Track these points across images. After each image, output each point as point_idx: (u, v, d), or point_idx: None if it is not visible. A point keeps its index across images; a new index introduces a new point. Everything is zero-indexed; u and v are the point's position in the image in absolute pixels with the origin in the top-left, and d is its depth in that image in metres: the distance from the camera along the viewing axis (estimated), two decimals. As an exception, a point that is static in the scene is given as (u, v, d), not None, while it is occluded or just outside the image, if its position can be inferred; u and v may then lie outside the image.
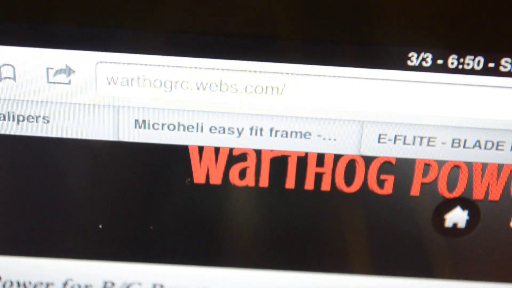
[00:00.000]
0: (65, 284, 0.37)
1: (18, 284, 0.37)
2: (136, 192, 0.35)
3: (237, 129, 0.33)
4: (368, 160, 0.34)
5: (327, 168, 0.34)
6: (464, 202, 0.36)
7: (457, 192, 0.35)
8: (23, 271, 0.37)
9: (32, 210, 0.35)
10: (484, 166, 0.35)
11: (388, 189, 0.35)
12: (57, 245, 0.36)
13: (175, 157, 0.34)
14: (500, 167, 0.35)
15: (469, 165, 0.34)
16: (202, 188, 0.35)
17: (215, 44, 0.31)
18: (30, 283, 0.37)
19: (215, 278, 0.37)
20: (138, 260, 0.37)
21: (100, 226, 0.35)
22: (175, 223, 0.36)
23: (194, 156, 0.34)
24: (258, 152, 0.34)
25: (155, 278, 0.37)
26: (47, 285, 0.37)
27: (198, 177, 0.34)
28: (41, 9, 0.30)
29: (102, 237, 0.36)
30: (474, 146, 0.34)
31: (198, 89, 0.32)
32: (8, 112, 0.33)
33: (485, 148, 0.34)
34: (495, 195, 0.35)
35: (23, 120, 0.33)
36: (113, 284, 0.37)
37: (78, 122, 0.33)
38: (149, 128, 0.33)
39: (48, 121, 0.33)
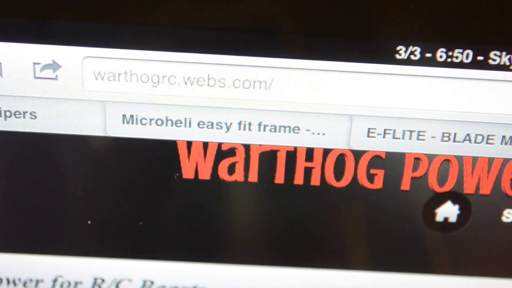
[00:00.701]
0: (54, 280, 0.37)
1: (8, 281, 0.37)
2: (125, 188, 0.35)
3: (226, 123, 0.33)
4: (357, 154, 0.34)
5: (316, 163, 0.34)
6: (455, 196, 0.35)
7: (448, 186, 0.35)
8: (12, 268, 0.37)
9: (21, 206, 0.35)
10: (475, 160, 0.34)
11: (378, 183, 0.35)
12: (46, 241, 0.36)
13: (164, 152, 0.34)
14: (490, 160, 0.34)
15: (460, 159, 0.34)
16: (191, 183, 0.35)
17: (202, 38, 0.31)
18: (19, 280, 0.37)
19: (205, 274, 0.37)
20: (128, 256, 0.36)
21: (89, 222, 0.35)
22: (164, 219, 0.35)
23: (182, 151, 0.34)
24: (247, 147, 0.34)
25: (145, 274, 0.37)
26: (37, 281, 0.37)
27: (187, 173, 0.34)
28: (27, 4, 0.30)
29: (91, 233, 0.36)
30: (464, 139, 0.34)
31: (186, 83, 0.32)
32: (-5, 108, 0.33)
33: (475, 142, 0.34)
34: (486, 189, 0.35)
35: (10, 116, 0.33)
36: (103, 280, 0.37)
37: (65, 117, 0.33)
38: (136, 123, 0.33)
39: (35, 117, 0.33)
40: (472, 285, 0.38)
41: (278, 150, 0.34)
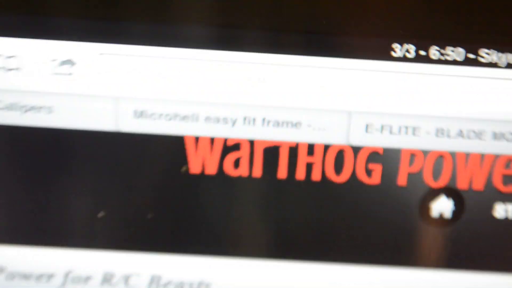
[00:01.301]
0: (66, 276, 0.38)
1: (21, 275, 0.38)
2: (135, 182, 0.36)
3: (231, 119, 0.35)
4: (356, 150, 0.35)
5: (317, 158, 0.36)
6: (449, 191, 0.36)
7: (442, 182, 0.36)
8: (25, 262, 0.37)
9: (34, 199, 0.36)
10: (467, 155, 0.36)
11: (376, 178, 0.36)
12: (57, 234, 0.37)
13: (172, 147, 0.35)
14: (482, 156, 0.36)
15: (453, 154, 0.36)
16: (198, 178, 0.36)
17: (211, 35, 0.33)
18: (32, 274, 0.38)
19: (213, 267, 0.38)
20: (137, 249, 0.37)
21: (99, 216, 0.36)
22: (172, 213, 0.36)
23: (190, 146, 0.35)
24: (251, 142, 0.35)
25: (154, 269, 0.38)
26: (49, 276, 0.38)
27: (194, 167, 0.36)
28: (46, 1, 0.32)
29: (101, 226, 0.37)
30: (457, 136, 0.35)
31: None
32: (13, 103, 0.34)
33: (468, 137, 0.35)
34: (478, 185, 0.36)
35: (27, 111, 0.34)
36: (112, 275, 0.38)
37: (79, 112, 0.34)
38: (147, 118, 0.34)
39: (51, 112, 0.34)
40: (466, 280, 0.38)
41: (281, 146, 0.35)
